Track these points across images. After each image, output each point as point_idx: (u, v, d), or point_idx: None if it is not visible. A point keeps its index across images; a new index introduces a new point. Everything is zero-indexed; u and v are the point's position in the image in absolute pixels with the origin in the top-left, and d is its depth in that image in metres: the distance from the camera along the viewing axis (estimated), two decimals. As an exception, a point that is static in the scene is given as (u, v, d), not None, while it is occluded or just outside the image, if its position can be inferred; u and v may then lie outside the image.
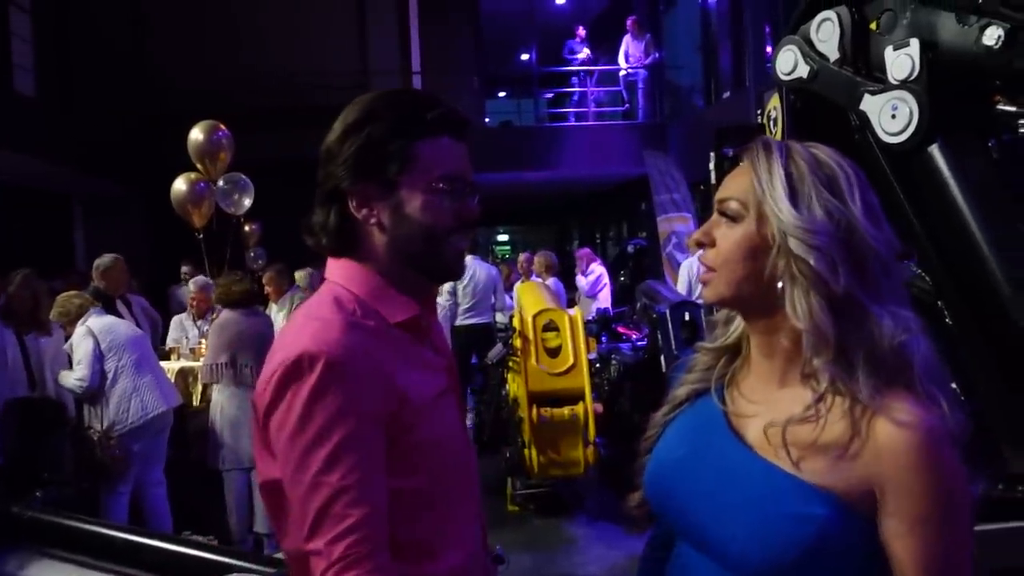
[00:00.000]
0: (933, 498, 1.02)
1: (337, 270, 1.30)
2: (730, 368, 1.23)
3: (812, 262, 1.06)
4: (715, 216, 1.17)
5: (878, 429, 1.03)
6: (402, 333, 1.26)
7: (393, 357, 1.21)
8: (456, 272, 1.32)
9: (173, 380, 5.30)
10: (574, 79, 14.88)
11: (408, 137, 1.25)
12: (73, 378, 4.56)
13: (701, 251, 1.20)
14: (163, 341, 6.68)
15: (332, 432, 1.13)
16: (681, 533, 1.20)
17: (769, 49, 9.88)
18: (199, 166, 7.42)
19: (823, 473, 1.05)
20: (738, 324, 1.23)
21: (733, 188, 1.16)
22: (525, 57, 16.47)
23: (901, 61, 1.93)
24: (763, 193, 1.11)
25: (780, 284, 1.10)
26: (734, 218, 1.14)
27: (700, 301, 1.17)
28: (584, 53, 14.58)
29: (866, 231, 1.08)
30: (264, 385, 1.18)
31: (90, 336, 4.58)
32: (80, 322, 4.67)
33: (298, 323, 1.23)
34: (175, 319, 6.82)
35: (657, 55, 13.95)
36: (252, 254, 9.80)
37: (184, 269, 9.31)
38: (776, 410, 1.11)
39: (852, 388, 1.05)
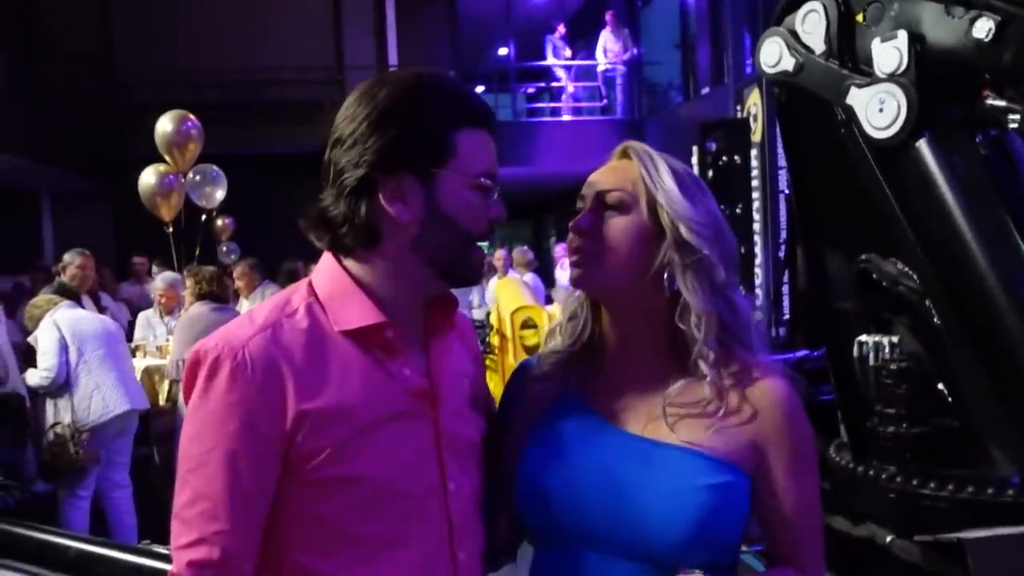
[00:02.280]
0: (805, 445, 1.20)
1: (317, 268, 1.19)
2: (579, 368, 1.25)
3: (705, 251, 1.16)
4: (592, 205, 1.21)
5: (756, 395, 1.17)
6: (349, 343, 1.12)
7: (320, 369, 1.10)
8: (478, 277, 1.22)
9: (139, 379, 5.16)
10: (553, 74, 14.83)
11: (453, 125, 1.13)
12: (40, 371, 4.43)
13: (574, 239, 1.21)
14: (129, 339, 6.53)
15: (207, 433, 1.07)
16: (582, 541, 1.17)
17: (748, 45, 9.88)
18: (167, 157, 7.28)
19: (719, 443, 1.15)
20: (585, 322, 1.26)
21: (614, 180, 1.21)
22: (503, 52, 16.38)
23: (888, 54, 1.88)
24: (655, 186, 1.18)
25: (667, 271, 1.17)
26: (618, 208, 1.19)
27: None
28: (567, 52, 14.52)
29: (727, 227, 1.23)
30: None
31: (55, 328, 4.46)
32: (48, 315, 4.53)
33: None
34: (141, 316, 6.67)
35: (635, 50, 13.93)
36: (224, 248, 9.66)
37: (137, 261, 9.11)
38: (660, 396, 1.18)
39: (729, 363, 1.18)
